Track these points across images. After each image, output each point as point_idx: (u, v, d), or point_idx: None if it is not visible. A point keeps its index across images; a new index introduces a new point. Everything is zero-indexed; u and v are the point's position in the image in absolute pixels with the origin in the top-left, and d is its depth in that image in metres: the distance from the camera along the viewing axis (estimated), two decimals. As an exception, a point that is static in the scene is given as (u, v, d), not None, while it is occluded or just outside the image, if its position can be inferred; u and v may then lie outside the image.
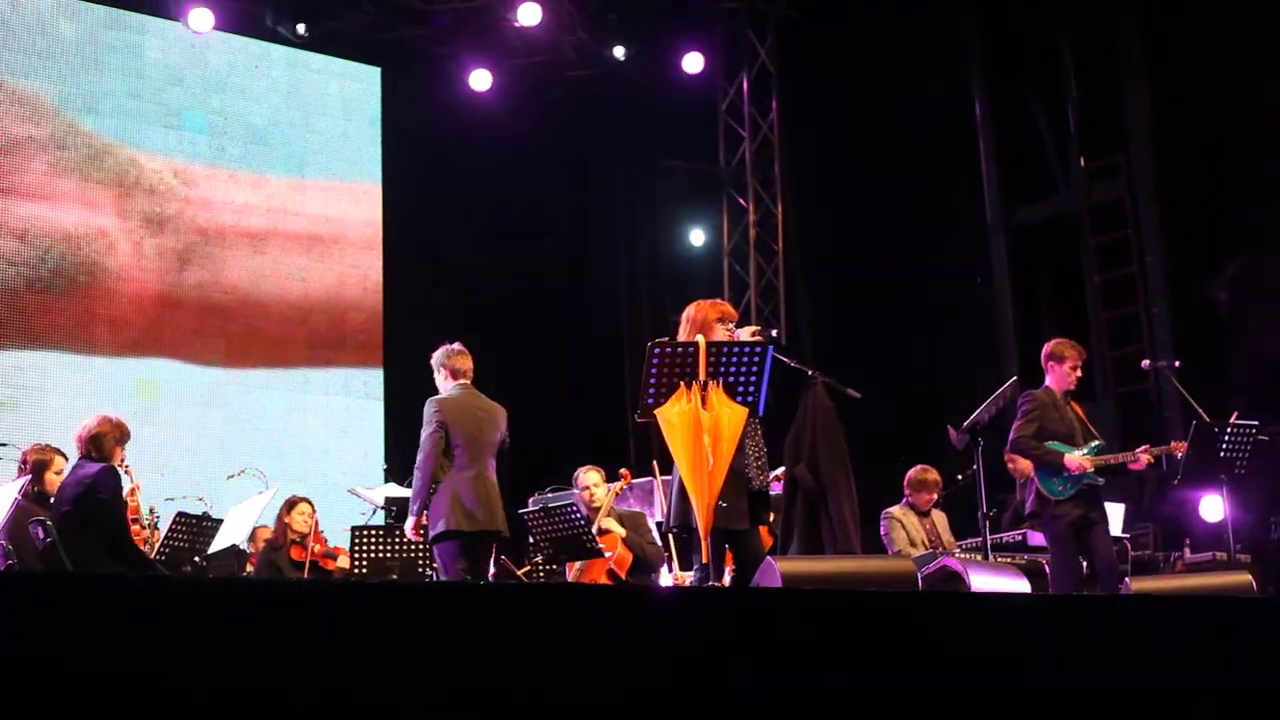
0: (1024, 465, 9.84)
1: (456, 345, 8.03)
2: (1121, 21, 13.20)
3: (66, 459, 7.92)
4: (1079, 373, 8.34)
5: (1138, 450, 8.27)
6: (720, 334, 6.67)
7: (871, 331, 13.82)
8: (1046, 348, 8.42)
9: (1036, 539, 8.82)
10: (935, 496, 9.63)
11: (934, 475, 9.64)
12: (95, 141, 12.44)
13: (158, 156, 12.76)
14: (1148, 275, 13.02)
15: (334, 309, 13.52)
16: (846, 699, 4.35)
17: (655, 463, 9.72)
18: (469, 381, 7.94)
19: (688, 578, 8.26)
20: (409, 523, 7.73)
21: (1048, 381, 8.33)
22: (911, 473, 9.66)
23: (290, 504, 9.68)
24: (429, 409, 7.78)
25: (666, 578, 9.19)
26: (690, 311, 6.90)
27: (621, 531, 8.90)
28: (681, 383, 6.21)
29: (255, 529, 9.89)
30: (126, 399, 11.83)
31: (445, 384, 7.94)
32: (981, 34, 14.20)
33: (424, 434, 7.74)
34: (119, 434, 7.70)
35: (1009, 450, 8.65)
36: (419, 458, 7.72)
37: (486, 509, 7.63)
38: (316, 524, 9.75)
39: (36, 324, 11.92)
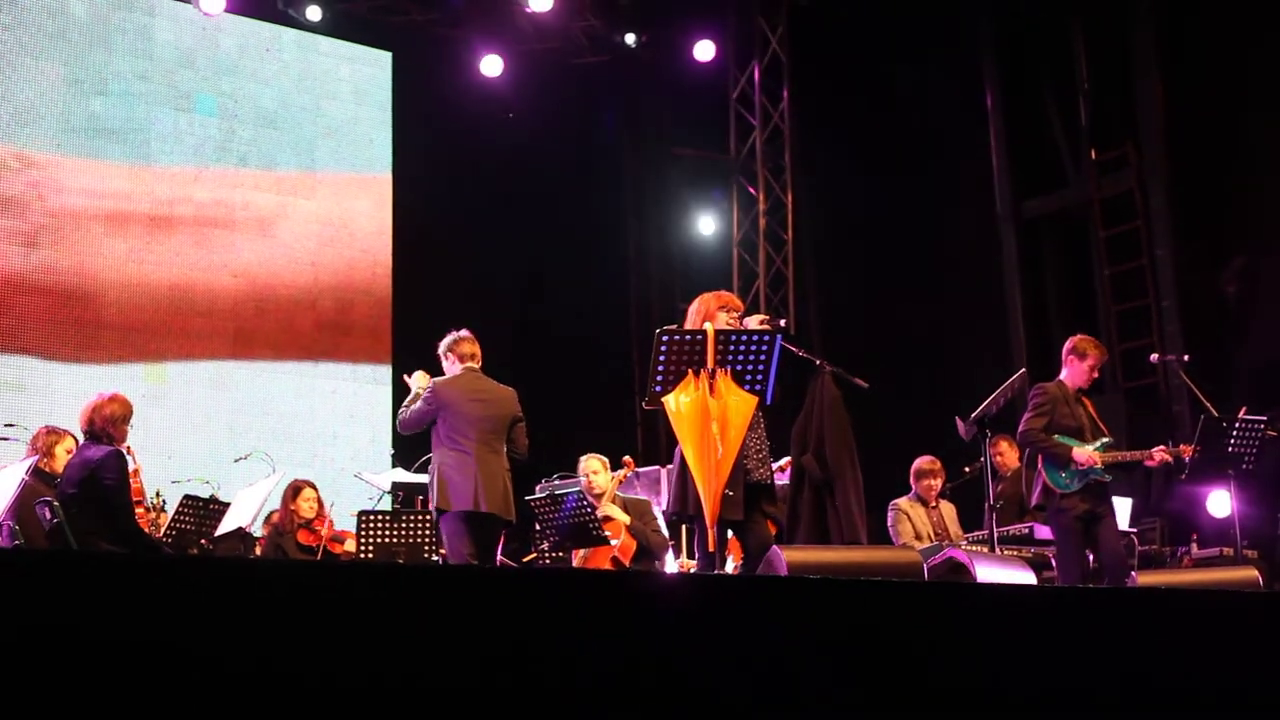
0: (1010, 459, 9.83)
1: (463, 331, 8.06)
2: (1134, 13, 13.16)
3: (78, 440, 7.92)
4: (1097, 373, 8.29)
5: (1154, 449, 8.24)
6: (723, 323, 6.67)
7: (879, 321, 13.81)
8: (1070, 342, 8.32)
9: (1043, 532, 8.81)
10: (938, 484, 9.61)
11: (936, 463, 9.63)
12: (102, 125, 12.43)
13: (167, 139, 12.75)
14: (1157, 269, 12.99)
15: (343, 294, 13.51)
16: (850, 689, 4.35)
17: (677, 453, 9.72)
18: (475, 366, 7.97)
19: (693, 565, 8.27)
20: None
21: (1062, 375, 8.26)
22: (915, 463, 9.67)
23: (295, 489, 9.71)
24: (427, 389, 7.85)
25: (672, 565, 9.19)
26: (695, 304, 6.92)
27: (625, 519, 8.90)
28: (690, 371, 6.22)
29: (270, 513, 9.92)
30: (135, 382, 11.83)
31: (451, 369, 7.99)
32: (993, 24, 14.16)
33: (412, 405, 7.88)
34: (126, 413, 7.66)
35: (1017, 441, 8.62)
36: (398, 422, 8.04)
37: (477, 491, 7.63)
38: (322, 507, 9.78)
39: (40, 314, 11.92)
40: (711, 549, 6.39)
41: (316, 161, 13.56)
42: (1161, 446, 8.29)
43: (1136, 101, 13.20)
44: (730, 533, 6.89)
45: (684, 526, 8.80)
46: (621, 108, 15.42)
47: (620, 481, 9.29)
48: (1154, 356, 10.96)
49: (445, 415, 7.78)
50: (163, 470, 10.63)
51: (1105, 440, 8.09)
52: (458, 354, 7.97)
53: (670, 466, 7.29)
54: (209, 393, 12.59)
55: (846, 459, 7.53)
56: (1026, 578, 7.95)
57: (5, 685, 3.35)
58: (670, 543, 9.21)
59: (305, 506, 9.65)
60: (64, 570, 3.71)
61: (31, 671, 3.39)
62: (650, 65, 15.06)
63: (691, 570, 8.39)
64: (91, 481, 7.36)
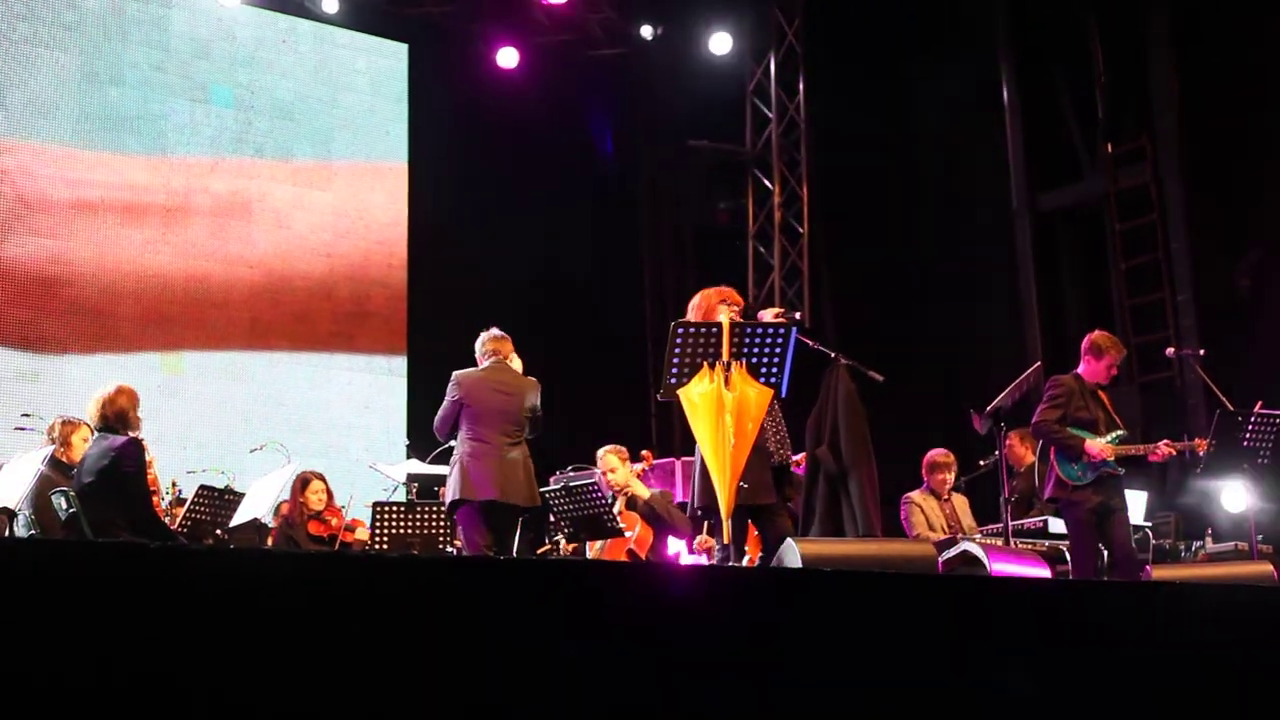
0: (1020, 452, 9.78)
1: (493, 330, 8.20)
2: (1149, 6, 13.14)
3: (94, 431, 7.95)
4: (1115, 371, 8.22)
5: (1159, 443, 8.19)
6: (722, 317, 6.68)
7: (895, 315, 13.80)
8: (1088, 338, 8.20)
9: (1058, 526, 8.79)
10: (951, 477, 9.58)
11: (950, 456, 9.60)
12: (118, 117, 12.46)
13: (183, 130, 12.77)
14: (1173, 262, 12.96)
15: (359, 285, 13.52)
16: (863, 681, 4.36)
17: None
18: (500, 359, 8.07)
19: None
20: None
21: (1080, 369, 8.21)
22: (927, 456, 9.64)
23: (304, 481, 9.72)
24: (450, 383, 7.98)
25: (688, 557, 9.19)
26: (695, 299, 6.94)
27: (645, 493, 8.87)
28: (705, 363, 6.22)
29: (280, 503, 9.94)
30: (151, 372, 11.88)
31: (480, 364, 8.13)
32: (1009, 17, 14.14)
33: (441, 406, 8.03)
34: (133, 403, 7.66)
35: (1031, 431, 8.56)
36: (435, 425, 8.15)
37: (497, 481, 7.72)
38: (331, 498, 9.80)
39: (56, 305, 11.96)
40: (727, 541, 6.40)
41: (332, 153, 13.58)
42: (1166, 440, 8.22)
43: (1152, 94, 13.19)
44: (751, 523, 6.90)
45: (707, 522, 8.82)
46: (637, 100, 15.42)
47: (640, 474, 9.29)
48: (1169, 350, 10.91)
49: (467, 407, 7.88)
50: (178, 460, 10.66)
51: (1119, 433, 8.03)
52: (487, 350, 8.13)
53: (687, 459, 7.30)
54: (225, 383, 12.62)
55: (861, 452, 7.54)
56: (1040, 571, 7.94)
57: (20, 679, 3.37)
58: (690, 523, 9.21)
59: (314, 499, 9.67)
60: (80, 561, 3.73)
61: (44, 665, 3.41)
62: (666, 58, 15.05)
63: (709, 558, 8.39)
64: (112, 469, 7.39)
